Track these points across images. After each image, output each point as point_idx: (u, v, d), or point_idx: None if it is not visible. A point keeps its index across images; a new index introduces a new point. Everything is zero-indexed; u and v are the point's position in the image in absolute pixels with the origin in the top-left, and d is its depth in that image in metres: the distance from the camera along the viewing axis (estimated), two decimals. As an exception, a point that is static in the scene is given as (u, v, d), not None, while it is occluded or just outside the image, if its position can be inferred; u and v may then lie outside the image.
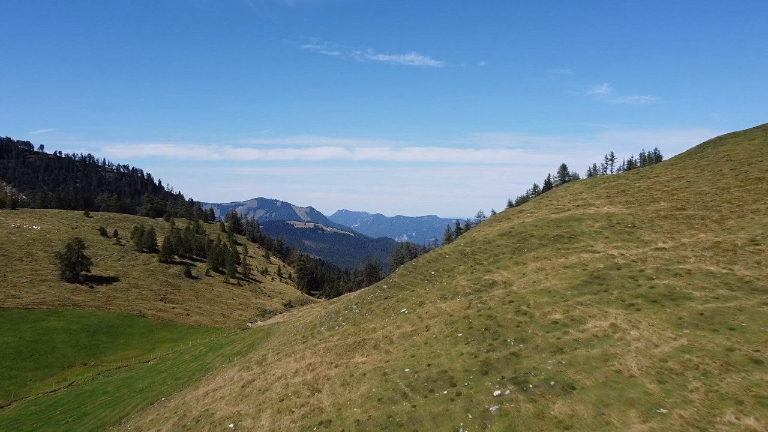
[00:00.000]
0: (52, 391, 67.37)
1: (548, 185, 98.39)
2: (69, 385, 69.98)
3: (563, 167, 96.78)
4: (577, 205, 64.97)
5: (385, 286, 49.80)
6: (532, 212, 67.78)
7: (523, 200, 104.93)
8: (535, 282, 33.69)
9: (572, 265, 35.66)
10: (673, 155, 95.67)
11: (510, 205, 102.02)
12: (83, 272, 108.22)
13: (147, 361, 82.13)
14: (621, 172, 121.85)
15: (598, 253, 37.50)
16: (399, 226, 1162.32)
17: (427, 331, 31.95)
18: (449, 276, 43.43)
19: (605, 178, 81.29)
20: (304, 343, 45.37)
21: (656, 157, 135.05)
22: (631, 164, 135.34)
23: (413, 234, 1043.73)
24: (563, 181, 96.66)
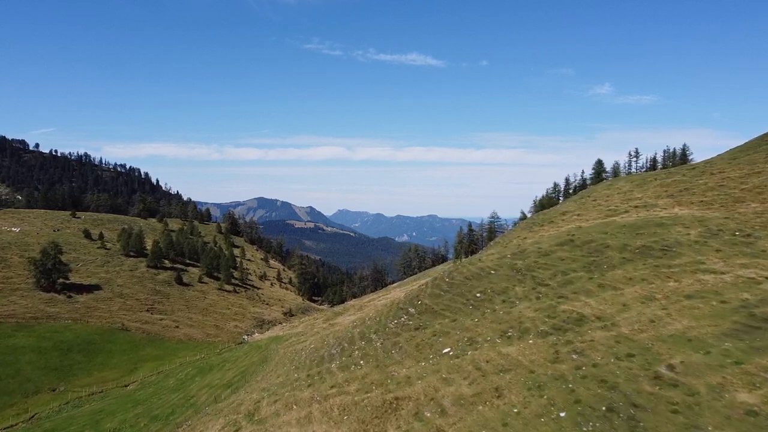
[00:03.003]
0: (7, 428, 56.61)
1: (583, 183, 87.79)
2: (30, 418, 59.21)
3: (599, 162, 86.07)
4: (635, 206, 54.27)
5: (412, 310, 39.04)
6: (579, 214, 57.08)
7: (549, 200, 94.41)
8: (653, 321, 22.90)
9: (696, 293, 24.91)
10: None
11: (538, 205, 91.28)
12: (61, 280, 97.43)
13: (126, 385, 71.43)
14: (644, 169, 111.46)
15: (724, 274, 26.78)
16: (399, 226, 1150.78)
17: (499, 397, 21.18)
18: (504, 302, 32.65)
19: (655, 175, 70.53)
20: (309, 387, 34.64)
21: (681, 155, 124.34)
22: (654, 162, 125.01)
23: (414, 234, 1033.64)
24: (598, 179, 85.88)
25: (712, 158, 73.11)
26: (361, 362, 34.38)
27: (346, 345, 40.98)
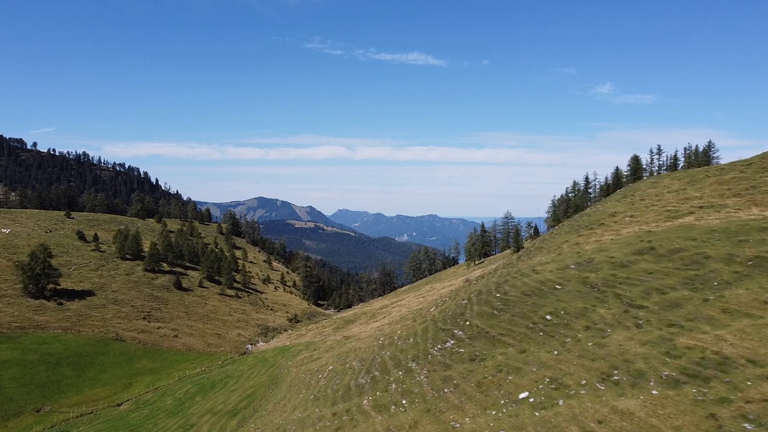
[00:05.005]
0: (-19, 458, 50.00)
1: (616, 180, 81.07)
2: (8, 446, 52.51)
3: (635, 159, 79.40)
4: (700, 207, 47.57)
5: (459, 333, 32.23)
6: (632, 215, 50.33)
7: (582, 200, 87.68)
8: None
9: None
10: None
11: (561, 206, 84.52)
12: (51, 285, 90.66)
13: (119, 404, 64.69)
14: (665, 168, 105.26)
15: None
16: (399, 226, 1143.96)
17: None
18: (588, 328, 25.86)
19: (705, 172, 63.81)
20: (338, 431, 27.89)
21: (704, 153, 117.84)
22: (675, 160, 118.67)
23: (414, 234, 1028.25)
24: (635, 176, 79.13)
25: (765, 153, 66.48)
26: (404, 402, 27.57)
27: (377, 373, 34.16)
